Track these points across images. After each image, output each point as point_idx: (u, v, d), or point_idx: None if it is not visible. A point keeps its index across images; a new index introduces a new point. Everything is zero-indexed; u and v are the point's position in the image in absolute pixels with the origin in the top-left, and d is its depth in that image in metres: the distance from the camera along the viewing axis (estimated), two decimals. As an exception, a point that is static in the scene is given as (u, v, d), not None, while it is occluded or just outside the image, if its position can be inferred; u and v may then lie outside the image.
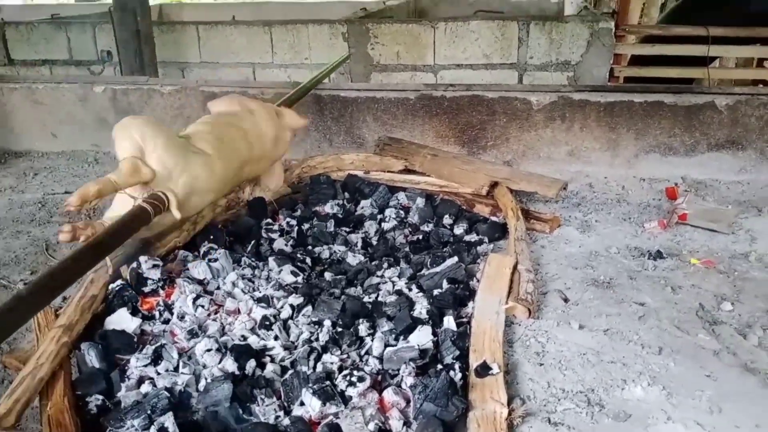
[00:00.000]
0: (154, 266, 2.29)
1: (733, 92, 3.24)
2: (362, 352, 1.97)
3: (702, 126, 3.26)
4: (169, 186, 1.71)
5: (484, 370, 1.80)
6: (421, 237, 2.73)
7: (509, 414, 1.66)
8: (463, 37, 5.33)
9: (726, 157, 3.30)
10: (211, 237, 2.63)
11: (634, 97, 3.29)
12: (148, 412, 1.66)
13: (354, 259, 2.55)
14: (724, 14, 5.21)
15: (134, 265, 2.29)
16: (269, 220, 2.83)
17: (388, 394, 1.75)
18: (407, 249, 2.63)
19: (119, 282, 2.23)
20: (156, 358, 1.89)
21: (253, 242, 2.64)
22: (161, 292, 2.27)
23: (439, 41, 5.39)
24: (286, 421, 1.68)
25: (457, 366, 1.84)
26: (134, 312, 2.14)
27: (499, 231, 2.79)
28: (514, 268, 2.37)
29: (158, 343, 1.94)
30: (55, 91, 3.94)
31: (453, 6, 8.39)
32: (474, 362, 1.86)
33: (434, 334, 2.00)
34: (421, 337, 1.95)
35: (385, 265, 2.50)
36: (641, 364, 1.92)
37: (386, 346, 1.96)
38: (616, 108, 3.31)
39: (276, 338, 2.02)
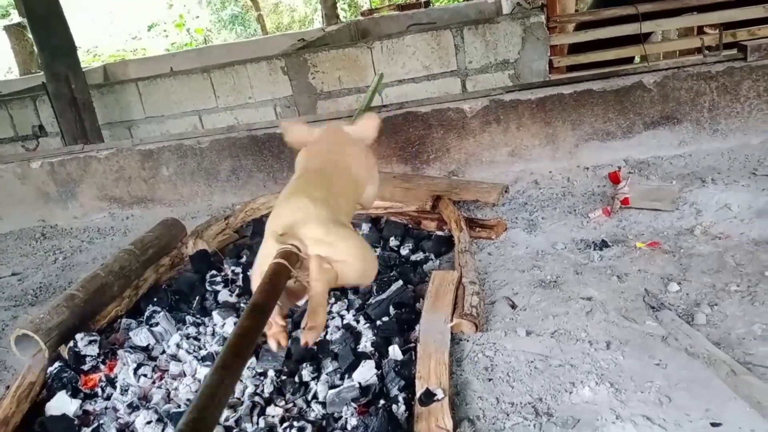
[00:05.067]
0: (91, 342, 2.23)
1: (659, 68, 3.24)
2: (309, 398, 1.92)
3: (634, 107, 3.26)
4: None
5: (428, 397, 1.75)
6: (367, 264, 2.68)
7: (455, 440, 1.62)
8: (400, 53, 5.35)
9: (663, 133, 3.30)
10: (155, 300, 2.58)
11: (563, 89, 3.28)
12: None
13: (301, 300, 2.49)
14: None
15: (71, 344, 2.23)
16: (214, 272, 2.78)
17: (333, 439, 1.70)
18: (354, 279, 2.59)
19: (57, 364, 2.17)
20: (95, 441, 1.83)
21: (198, 298, 2.59)
22: (102, 367, 2.21)
23: (377, 61, 5.40)
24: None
25: (401, 398, 1.79)
26: (75, 393, 2.07)
27: (446, 245, 2.75)
28: (459, 282, 2.33)
29: (96, 424, 1.88)
30: (-8, 173, 3.88)
31: (394, 22, 8.46)
32: (419, 389, 1.81)
33: (379, 366, 1.96)
34: (364, 372, 1.90)
35: (332, 299, 2.45)
36: (589, 363, 1.89)
37: (332, 387, 1.91)
38: (548, 103, 3.30)
39: (220, 397, 1.96)
